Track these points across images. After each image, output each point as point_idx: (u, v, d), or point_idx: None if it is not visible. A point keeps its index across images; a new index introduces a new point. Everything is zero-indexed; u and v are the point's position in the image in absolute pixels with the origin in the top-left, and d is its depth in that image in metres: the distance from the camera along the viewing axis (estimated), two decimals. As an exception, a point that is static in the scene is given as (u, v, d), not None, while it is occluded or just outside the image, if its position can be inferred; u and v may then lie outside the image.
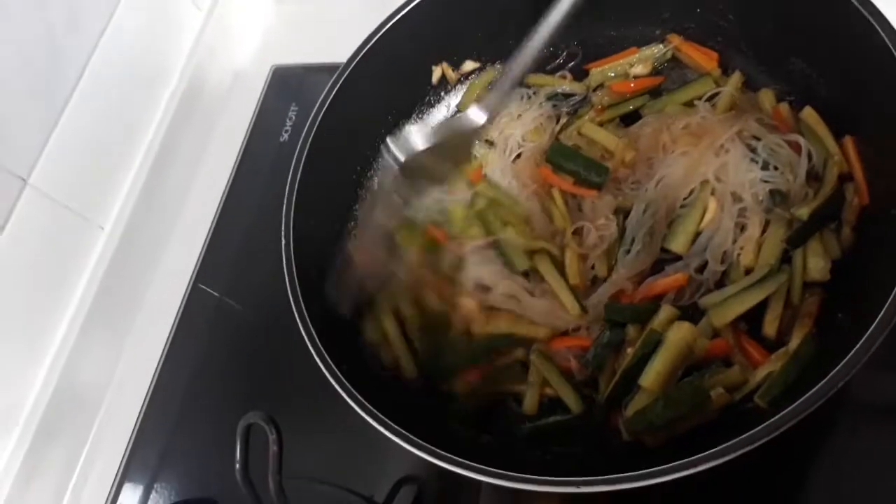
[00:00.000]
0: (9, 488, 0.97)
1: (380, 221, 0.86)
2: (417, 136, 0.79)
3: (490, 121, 0.82)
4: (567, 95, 1.10)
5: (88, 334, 1.07)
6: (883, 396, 0.85)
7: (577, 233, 0.96)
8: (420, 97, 1.14)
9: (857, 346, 0.67)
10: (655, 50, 1.08)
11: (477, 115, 0.81)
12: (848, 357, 0.67)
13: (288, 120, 1.26)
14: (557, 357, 0.90)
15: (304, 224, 0.94)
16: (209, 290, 1.14)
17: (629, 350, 0.86)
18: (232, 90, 1.35)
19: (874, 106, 0.84)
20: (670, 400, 0.80)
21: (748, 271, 0.89)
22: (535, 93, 1.10)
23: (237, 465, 0.81)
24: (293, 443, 0.82)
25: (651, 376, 0.82)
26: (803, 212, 0.87)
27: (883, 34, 0.80)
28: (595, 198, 0.97)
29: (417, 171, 0.80)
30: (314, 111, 0.99)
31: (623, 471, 0.68)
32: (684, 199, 0.94)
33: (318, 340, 0.84)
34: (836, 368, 0.67)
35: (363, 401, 0.79)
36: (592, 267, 0.95)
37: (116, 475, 1.03)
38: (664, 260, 0.93)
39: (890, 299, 0.68)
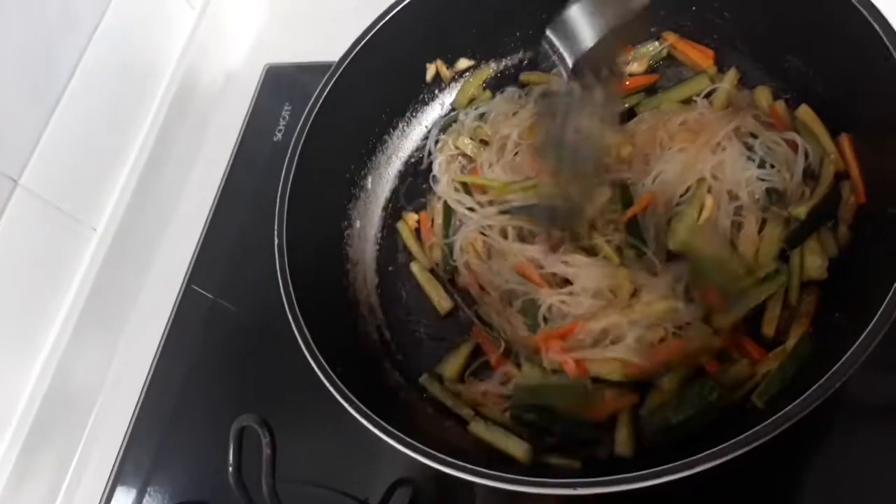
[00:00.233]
0: (0, 490, 0.96)
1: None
2: (585, 25, 0.65)
3: None
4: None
5: (81, 336, 1.06)
6: (882, 397, 0.85)
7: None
8: (414, 95, 1.13)
9: (855, 345, 0.67)
10: (651, 48, 1.08)
11: None
12: (845, 356, 0.67)
13: (281, 119, 1.25)
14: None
15: (297, 224, 0.93)
16: (202, 291, 1.14)
17: None
18: (225, 89, 1.35)
19: (871, 103, 0.84)
20: (685, 396, 0.80)
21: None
22: (528, 92, 1.10)
23: (230, 468, 0.81)
24: (287, 445, 0.82)
25: None
26: (801, 211, 0.87)
27: (879, 31, 0.79)
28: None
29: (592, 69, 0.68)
30: (306, 110, 0.98)
31: (619, 472, 0.68)
32: (681, 195, 0.93)
33: (311, 342, 0.83)
34: (834, 368, 0.67)
35: (358, 403, 0.78)
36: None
37: (109, 478, 1.02)
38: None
39: (888, 298, 0.68)
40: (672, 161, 0.94)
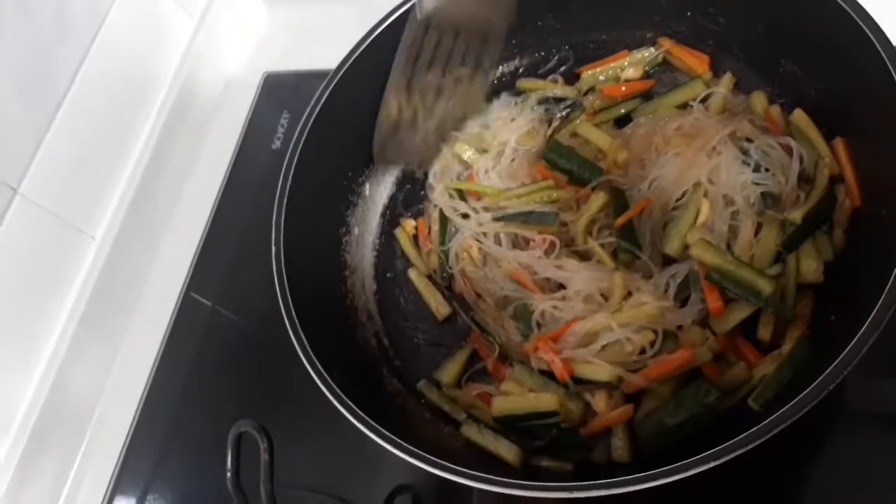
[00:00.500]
0: (0, 499, 0.97)
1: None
2: None
3: None
4: (558, 99, 1.10)
5: (80, 344, 1.07)
6: (878, 400, 0.85)
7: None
8: (411, 102, 1.13)
9: (848, 348, 0.67)
10: (646, 53, 1.08)
11: None
12: (838, 359, 0.67)
13: (280, 127, 1.26)
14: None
15: (295, 231, 0.93)
16: (201, 298, 1.14)
17: None
18: (223, 97, 1.35)
19: (864, 108, 0.85)
20: (681, 399, 0.80)
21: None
22: (524, 99, 1.10)
23: (228, 474, 0.81)
24: (286, 451, 0.82)
25: None
26: (796, 215, 0.87)
27: (871, 36, 0.80)
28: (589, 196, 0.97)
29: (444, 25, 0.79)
30: (304, 118, 0.99)
31: (615, 475, 0.68)
32: (677, 200, 0.94)
33: (309, 349, 0.83)
34: (828, 370, 0.67)
35: (356, 409, 0.78)
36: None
37: (109, 485, 1.02)
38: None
39: (880, 301, 0.68)
40: (668, 166, 0.95)
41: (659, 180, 0.94)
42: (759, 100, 0.99)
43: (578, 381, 0.85)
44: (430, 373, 0.95)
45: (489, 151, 1.07)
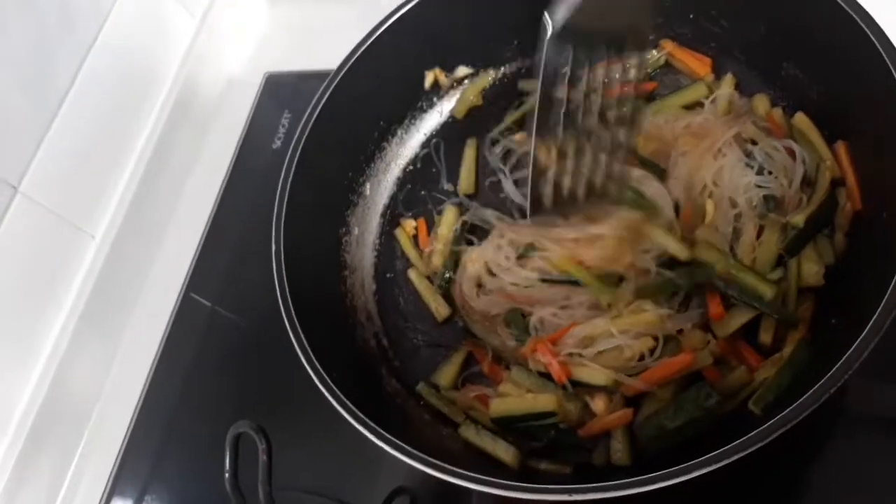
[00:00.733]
0: (-2, 499, 0.97)
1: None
2: None
3: None
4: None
5: (79, 343, 1.07)
6: (880, 404, 0.85)
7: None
8: (413, 102, 1.13)
9: (849, 352, 0.67)
10: (649, 56, 1.08)
11: None
12: (839, 363, 0.66)
13: (281, 127, 1.26)
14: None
15: (295, 231, 0.93)
16: (201, 298, 1.14)
17: None
18: (224, 97, 1.35)
19: (866, 111, 0.84)
20: (682, 402, 0.80)
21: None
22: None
23: (227, 475, 0.81)
24: (284, 452, 0.82)
25: None
26: (799, 219, 0.87)
27: (874, 39, 0.80)
28: None
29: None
30: (304, 118, 0.99)
31: (615, 478, 0.68)
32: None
33: (309, 349, 0.83)
34: (829, 373, 0.67)
35: (355, 410, 0.78)
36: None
37: (106, 486, 1.02)
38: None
39: (882, 304, 0.68)
40: (679, 165, 0.95)
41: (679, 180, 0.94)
42: (761, 102, 0.98)
43: (577, 384, 0.85)
44: (430, 373, 0.95)
45: None
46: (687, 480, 0.66)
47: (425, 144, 1.14)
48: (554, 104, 0.77)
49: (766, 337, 0.84)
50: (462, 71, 1.14)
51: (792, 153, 0.91)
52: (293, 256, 0.91)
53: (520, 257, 0.94)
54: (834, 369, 0.67)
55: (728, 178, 0.92)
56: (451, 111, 1.15)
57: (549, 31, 0.70)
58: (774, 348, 0.84)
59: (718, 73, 1.04)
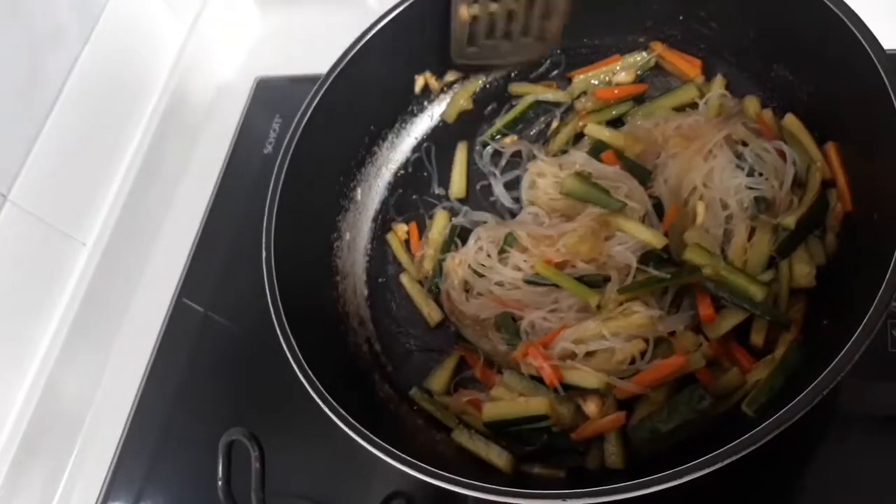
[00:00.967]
0: (-10, 506, 0.96)
1: None
2: None
3: None
4: (551, 104, 1.10)
5: (71, 351, 1.06)
6: (871, 405, 0.85)
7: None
8: (403, 107, 1.13)
9: (841, 353, 0.67)
10: (639, 57, 1.08)
11: None
12: (831, 365, 0.67)
13: (272, 132, 1.26)
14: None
15: (286, 236, 0.93)
16: (193, 304, 1.13)
17: None
18: (215, 102, 1.35)
19: (855, 112, 0.85)
20: (675, 405, 0.80)
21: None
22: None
23: (219, 482, 0.80)
24: (277, 459, 0.81)
25: None
26: (790, 221, 0.86)
27: (863, 41, 0.80)
28: None
29: None
30: (295, 123, 0.98)
31: (608, 482, 0.68)
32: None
33: (300, 355, 0.83)
34: (822, 375, 0.67)
35: (347, 416, 0.78)
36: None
37: (100, 493, 1.02)
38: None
39: (873, 305, 0.68)
40: (668, 168, 0.95)
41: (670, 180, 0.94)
42: (751, 104, 0.99)
43: (569, 387, 0.85)
44: (423, 378, 0.95)
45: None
46: (681, 483, 0.66)
47: (416, 149, 1.14)
48: None
49: (757, 338, 0.84)
50: (452, 75, 1.14)
51: (782, 154, 0.91)
52: (284, 262, 0.90)
53: (501, 252, 0.95)
54: (826, 371, 0.67)
55: (719, 180, 0.92)
56: (442, 115, 1.15)
57: None
58: (766, 350, 0.84)
59: (708, 74, 1.04)
